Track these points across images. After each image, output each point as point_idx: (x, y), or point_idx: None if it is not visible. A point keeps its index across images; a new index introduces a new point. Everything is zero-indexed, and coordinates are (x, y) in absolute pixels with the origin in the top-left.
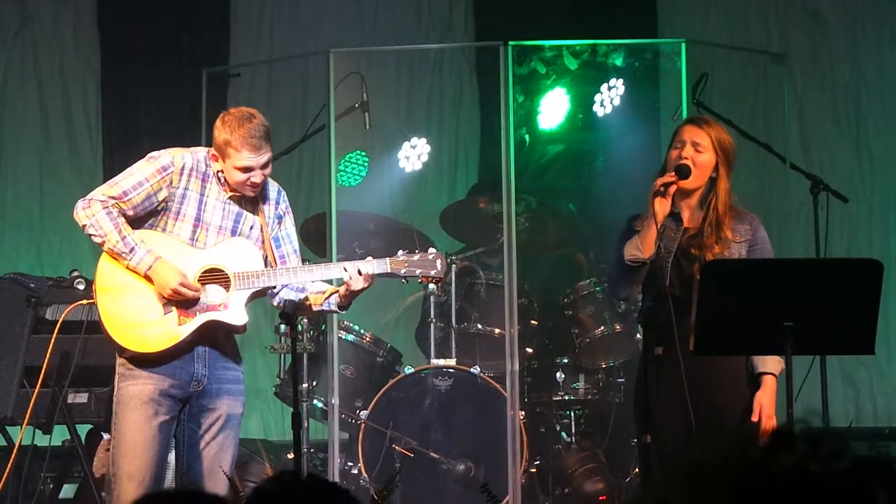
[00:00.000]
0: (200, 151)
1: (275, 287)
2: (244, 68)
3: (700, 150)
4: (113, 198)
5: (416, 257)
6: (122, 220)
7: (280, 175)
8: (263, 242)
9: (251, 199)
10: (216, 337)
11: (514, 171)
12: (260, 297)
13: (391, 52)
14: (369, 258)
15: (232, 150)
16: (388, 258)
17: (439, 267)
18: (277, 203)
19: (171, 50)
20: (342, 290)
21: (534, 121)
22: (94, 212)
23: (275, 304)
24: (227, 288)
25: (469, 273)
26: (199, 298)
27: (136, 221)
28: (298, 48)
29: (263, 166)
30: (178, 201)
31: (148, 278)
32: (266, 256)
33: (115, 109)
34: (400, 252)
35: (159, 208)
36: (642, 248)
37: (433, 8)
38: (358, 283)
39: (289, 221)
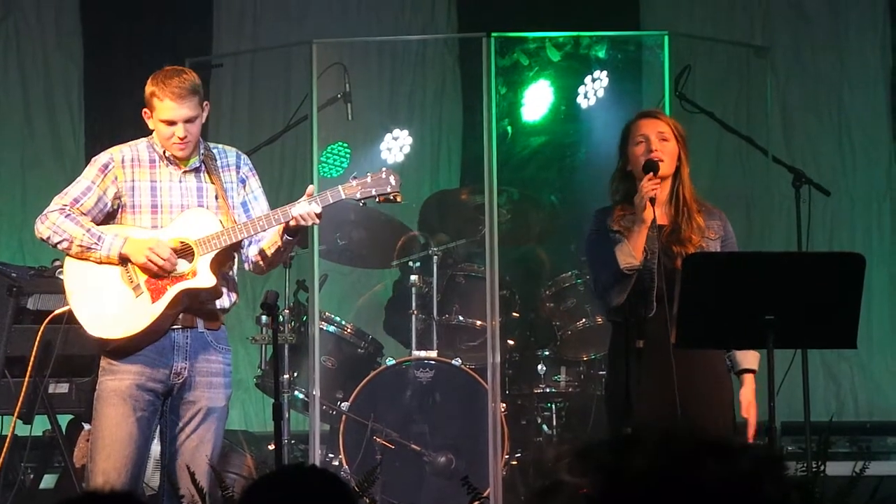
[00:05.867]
0: (141, 142)
1: (240, 245)
2: (227, 58)
3: (665, 138)
4: (66, 205)
5: (367, 178)
6: (83, 218)
7: (262, 165)
8: (223, 209)
9: (206, 170)
10: (198, 322)
11: (497, 163)
12: (229, 261)
13: (374, 43)
14: (316, 196)
15: (156, 100)
16: (339, 186)
17: (394, 182)
18: (238, 167)
19: (154, 39)
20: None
21: (517, 112)
22: (54, 220)
23: (248, 268)
24: (191, 258)
25: (451, 265)
26: (174, 265)
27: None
28: (281, 38)
29: (188, 120)
30: (129, 194)
31: (122, 261)
32: (226, 222)
33: (98, 99)
34: (350, 178)
35: (115, 207)
36: (635, 254)
37: None
38: (302, 222)
39: (254, 183)
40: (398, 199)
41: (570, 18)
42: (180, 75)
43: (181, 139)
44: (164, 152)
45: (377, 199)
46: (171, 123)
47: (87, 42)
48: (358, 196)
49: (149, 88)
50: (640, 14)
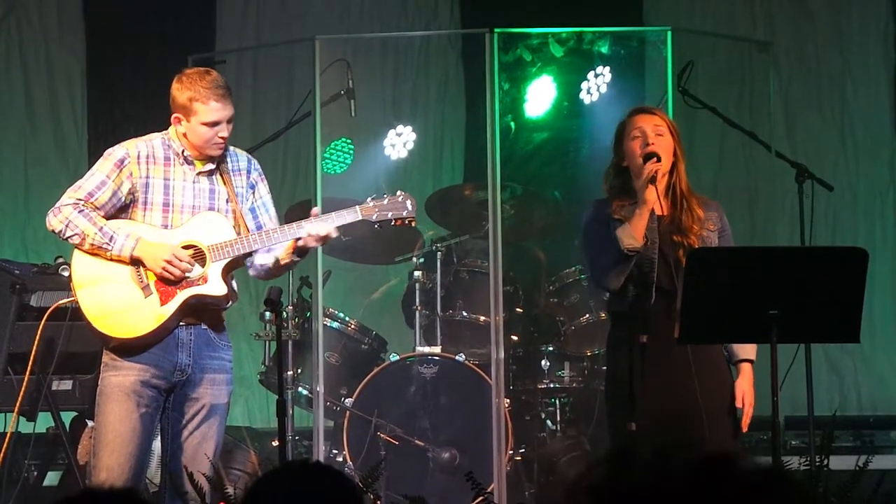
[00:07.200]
0: (155, 138)
1: (251, 255)
2: (230, 55)
3: (661, 132)
4: (80, 199)
5: (385, 201)
6: (96, 214)
7: (265, 162)
8: (234, 213)
9: (220, 173)
10: (202, 320)
11: (500, 159)
12: (237, 267)
13: (377, 40)
14: (332, 214)
15: (199, 104)
16: (357, 206)
17: (410, 207)
18: (249, 172)
19: (157, 36)
20: (300, 242)
21: (520, 108)
22: (67, 214)
23: (252, 273)
24: (203, 263)
25: (454, 261)
26: (189, 271)
27: (108, 219)
28: (284, 35)
29: (229, 120)
30: (142, 191)
31: (133, 262)
32: (237, 228)
33: (101, 96)
34: (368, 199)
35: (127, 202)
36: (636, 235)
37: None
38: (311, 242)
39: (263, 189)
40: (413, 223)
41: (573, 14)
42: (210, 74)
43: (223, 139)
44: (183, 151)
45: (393, 223)
46: (215, 125)
47: (89, 39)
48: (374, 218)
49: (184, 94)
50: (643, 10)
